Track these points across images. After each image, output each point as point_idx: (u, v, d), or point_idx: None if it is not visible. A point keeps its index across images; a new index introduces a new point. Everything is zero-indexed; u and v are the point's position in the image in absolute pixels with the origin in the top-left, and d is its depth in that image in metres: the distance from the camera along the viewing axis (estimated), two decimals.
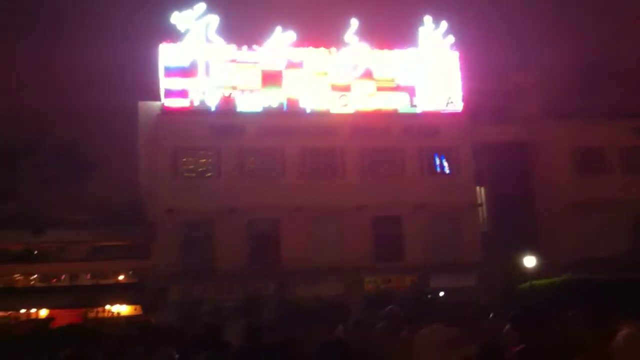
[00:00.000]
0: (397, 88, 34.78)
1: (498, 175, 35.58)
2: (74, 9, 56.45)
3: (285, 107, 33.50)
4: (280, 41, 33.93)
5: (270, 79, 33.48)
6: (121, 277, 35.71)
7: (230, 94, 32.83)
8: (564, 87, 35.18)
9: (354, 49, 34.64)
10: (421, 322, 8.61)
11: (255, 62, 33.47)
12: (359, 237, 31.91)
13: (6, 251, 34.85)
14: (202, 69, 32.85)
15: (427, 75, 35.16)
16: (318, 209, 31.44)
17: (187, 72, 32.61)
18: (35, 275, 35.33)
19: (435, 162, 34.88)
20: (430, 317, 8.58)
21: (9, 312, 30.56)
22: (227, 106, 32.81)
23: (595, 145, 34.96)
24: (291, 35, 34.01)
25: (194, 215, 30.63)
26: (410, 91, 34.91)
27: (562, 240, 32.97)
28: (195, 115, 32.28)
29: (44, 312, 32.71)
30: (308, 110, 33.59)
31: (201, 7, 33.08)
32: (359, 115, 33.83)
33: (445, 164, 34.94)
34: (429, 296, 28.63)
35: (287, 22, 34.10)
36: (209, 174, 32.86)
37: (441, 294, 30.24)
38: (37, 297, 32.93)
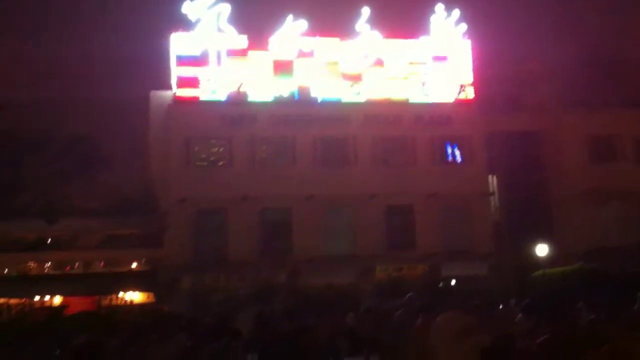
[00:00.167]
0: (408, 77, 34.66)
1: (510, 163, 35.44)
2: (85, 0, 56.53)
3: (296, 97, 33.49)
4: (292, 30, 33.86)
5: (282, 68, 33.46)
6: (134, 266, 35.90)
7: (240, 86, 32.83)
8: (577, 75, 34.89)
9: (366, 38, 34.51)
10: (435, 310, 8.63)
11: (266, 52, 33.45)
12: (370, 226, 31.93)
13: (20, 240, 35.13)
14: (214, 58, 32.86)
15: (439, 63, 34.99)
16: (330, 198, 31.46)
17: (198, 61, 32.64)
18: (49, 263, 35.60)
19: (447, 150, 34.79)
20: (444, 305, 8.60)
21: (24, 299, 30.80)
22: (238, 96, 32.85)
23: (608, 133, 34.74)
24: (302, 24, 33.93)
25: (206, 204, 30.74)
26: (422, 80, 34.78)
27: (575, 229, 32.82)
28: (207, 104, 32.35)
29: (57, 300, 32.99)
30: (319, 100, 33.56)
31: None
32: (371, 104, 33.76)
33: (457, 152, 34.82)
34: (441, 284, 28.67)
35: (298, 11, 34.01)
36: (220, 163, 32.93)
37: (453, 282, 30.25)
38: (50, 284, 33.17)
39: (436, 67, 34.96)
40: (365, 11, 34.67)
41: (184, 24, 32.93)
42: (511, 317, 9.69)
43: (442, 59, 35.10)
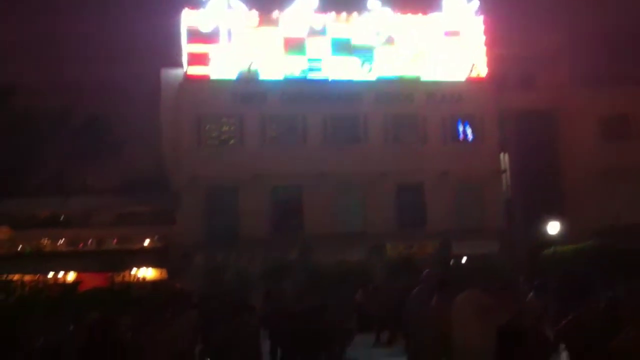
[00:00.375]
0: (420, 54, 34.45)
1: (522, 142, 35.27)
2: None
3: (306, 75, 33.39)
4: (303, 7, 33.67)
5: (292, 45, 33.34)
6: (147, 243, 36.17)
7: (251, 64, 32.75)
8: (590, 54, 34.55)
9: (377, 15, 34.29)
10: (451, 288, 8.66)
11: (277, 28, 33.33)
12: (381, 204, 31.97)
13: (34, 217, 35.45)
14: (225, 35, 32.79)
15: (451, 41, 34.74)
16: (341, 176, 31.49)
17: (209, 38, 32.60)
18: (63, 240, 35.92)
19: (458, 129, 34.65)
20: (458, 284, 8.62)
21: (38, 276, 31.13)
22: (249, 74, 32.81)
23: (621, 112, 34.47)
24: (313, 1, 33.72)
25: (217, 182, 30.87)
26: (434, 57, 34.56)
27: (587, 207, 32.70)
28: (218, 82, 32.35)
29: (71, 276, 33.33)
30: (330, 78, 33.45)
31: None
32: (382, 82, 33.63)
33: (469, 130, 34.68)
34: (452, 262, 28.69)
35: None
36: (231, 142, 32.99)
37: (464, 260, 30.28)
38: (64, 261, 33.51)
39: (448, 45, 34.71)
40: None
41: (195, 1, 32.84)
42: (522, 296, 9.70)
43: (454, 35, 34.83)
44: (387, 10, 34.31)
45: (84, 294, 16.76)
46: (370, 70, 33.88)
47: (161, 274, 33.32)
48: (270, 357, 11.81)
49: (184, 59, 32.79)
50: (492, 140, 34.11)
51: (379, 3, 34.37)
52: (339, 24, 34.00)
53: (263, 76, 32.93)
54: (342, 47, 33.77)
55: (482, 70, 34.73)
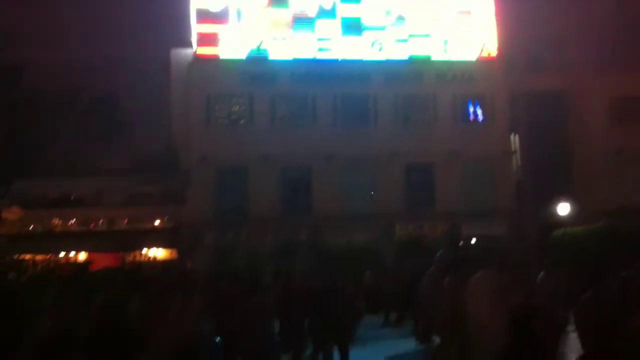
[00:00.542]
0: (430, 34, 34.20)
1: (533, 123, 35.08)
2: None
3: (316, 55, 33.24)
4: None
5: (302, 25, 33.15)
6: (157, 223, 36.36)
7: (260, 44, 32.62)
8: (602, 35, 34.24)
9: None
10: (463, 269, 8.64)
11: (286, 8, 33.14)
12: (391, 184, 31.95)
13: (45, 197, 35.68)
14: (234, 15, 32.65)
15: (462, 20, 34.44)
16: (350, 156, 31.45)
17: (219, 18, 32.49)
18: (74, 220, 36.17)
19: (469, 109, 34.47)
20: (470, 264, 8.59)
21: (49, 256, 31.39)
22: (258, 54, 32.71)
23: (633, 94, 34.17)
24: None
25: (227, 162, 30.93)
26: (444, 37, 34.30)
27: (597, 188, 32.57)
28: (227, 62, 32.29)
29: (82, 256, 33.60)
30: (340, 58, 33.28)
31: None
32: (392, 62, 33.44)
33: (479, 111, 34.51)
34: (461, 243, 28.62)
35: None
36: (241, 122, 33.00)
37: (473, 241, 30.23)
38: (75, 241, 33.78)
39: (459, 24, 34.42)
40: None
41: None
42: (535, 277, 9.67)
43: (465, 15, 34.54)
44: None
45: (95, 273, 16.88)
46: (380, 50, 33.68)
47: (171, 253, 33.54)
48: (279, 337, 11.87)
49: (194, 39, 32.71)
50: (503, 120, 33.94)
51: None
52: (349, 4, 33.76)
53: (272, 56, 32.81)
54: (352, 26, 33.56)
55: (493, 50, 34.47)
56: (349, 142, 31.53)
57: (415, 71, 33.42)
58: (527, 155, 35.29)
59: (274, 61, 32.76)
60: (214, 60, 32.32)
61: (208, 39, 32.49)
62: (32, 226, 35.58)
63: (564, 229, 26.91)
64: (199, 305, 7.71)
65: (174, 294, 7.45)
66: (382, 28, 33.82)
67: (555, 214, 29.26)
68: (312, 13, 33.26)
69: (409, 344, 14.15)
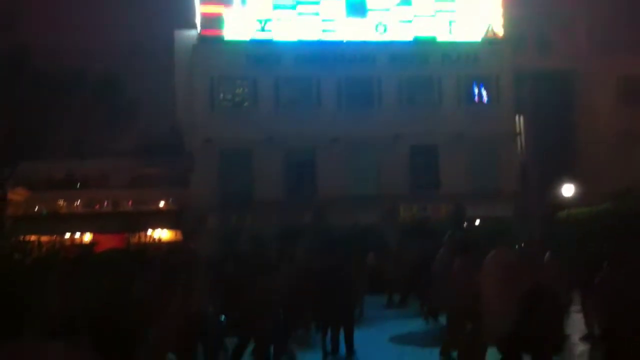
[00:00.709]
0: (436, 15, 33.95)
1: (538, 104, 34.92)
2: None
3: (320, 36, 33.07)
4: None
5: (306, 7, 32.95)
6: (162, 205, 36.48)
7: (265, 25, 32.47)
8: (609, 15, 33.95)
9: None
10: (473, 250, 8.65)
11: None
12: (395, 166, 31.91)
13: (50, 179, 35.79)
14: None
15: (467, 0, 34.17)
16: (355, 138, 31.38)
17: None
18: (79, 202, 36.31)
19: (474, 90, 34.32)
20: (479, 246, 8.60)
21: (54, 237, 31.55)
22: (262, 36, 32.57)
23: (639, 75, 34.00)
24: None
25: (231, 145, 30.89)
26: (449, 18, 34.05)
27: (603, 170, 32.47)
28: (232, 44, 32.14)
29: (88, 237, 33.75)
30: (344, 39, 33.11)
31: None
32: (396, 43, 33.25)
33: (484, 92, 34.35)
34: (465, 225, 28.63)
35: None
36: (245, 104, 32.95)
37: (477, 222, 30.25)
38: (81, 222, 33.93)
39: (464, 5, 34.15)
40: None
41: None
42: (541, 259, 9.68)
43: None
44: None
45: (100, 255, 16.94)
46: (384, 31, 33.49)
47: (176, 235, 33.65)
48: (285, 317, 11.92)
49: (198, 21, 32.56)
50: (508, 102, 33.78)
51: None
52: None
53: (277, 38, 32.66)
54: (357, 8, 33.34)
55: (498, 30, 34.21)
56: (354, 124, 31.45)
57: (420, 52, 33.22)
58: (532, 136, 35.18)
59: (278, 43, 32.61)
60: (218, 42, 32.18)
61: (212, 21, 32.33)
62: (37, 207, 35.72)
63: (568, 210, 26.93)
64: (203, 285, 7.75)
65: (179, 274, 7.49)
66: (387, 9, 33.58)
67: (560, 196, 29.21)
68: None
69: (413, 325, 14.23)
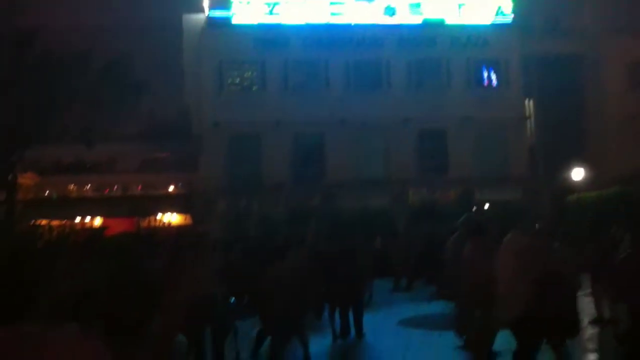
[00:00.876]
0: None
1: (547, 87, 34.68)
2: None
3: (329, 19, 32.91)
4: None
5: None
6: (171, 189, 36.58)
7: (273, 8, 32.33)
8: None
9: None
10: (487, 234, 8.64)
11: None
12: (404, 150, 31.84)
13: (60, 163, 35.92)
14: None
15: None
16: (363, 122, 31.30)
17: None
18: (89, 186, 36.45)
19: (483, 74, 34.13)
20: (494, 229, 8.58)
21: (65, 221, 31.75)
22: (271, 19, 32.45)
23: None
24: None
25: (239, 129, 30.89)
26: (459, 0, 33.80)
27: (613, 154, 32.32)
28: (240, 28, 32.05)
29: (98, 221, 33.92)
30: (353, 22, 32.94)
31: None
32: (405, 26, 33.06)
33: (494, 76, 34.16)
34: (474, 209, 28.62)
35: None
36: (254, 88, 32.90)
37: (486, 206, 30.21)
38: (90, 206, 34.08)
39: None
40: None
41: None
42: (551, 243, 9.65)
43: None
44: None
45: (110, 238, 17.04)
46: (393, 14, 33.29)
47: (185, 219, 33.79)
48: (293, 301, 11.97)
49: (206, 4, 32.46)
50: (517, 85, 33.60)
51: None
52: None
53: (285, 21, 32.53)
54: None
55: (507, 13, 33.96)
56: (362, 108, 31.35)
57: (429, 35, 33.04)
58: (541, 120, 35.01)
59: (286, 26, 32.49)
60: (226, 25, 32.10)
61: (220, 4, 32.22)
62: (47, 192, 35.89)
63: (578, 194, 26.86)
64: (212, 267, 7.78)
65: (188, 256, 7.52)
66: None
67: (569, 180, 29.08)
68: None
69: (421, 308, 14.25)
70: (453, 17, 33.71)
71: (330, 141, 31.81)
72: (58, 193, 35.93)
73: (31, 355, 2.09)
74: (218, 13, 32.20)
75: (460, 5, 33.77)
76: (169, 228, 33.11)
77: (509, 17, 33.91)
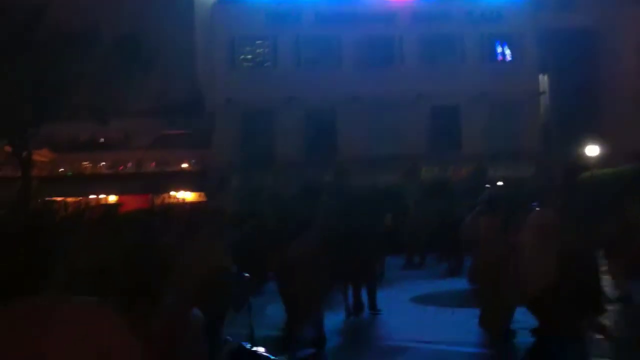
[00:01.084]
0: None
1: (562, 62, 34.34)
2: None
3: None
4: None
5: None
6: (184, 165, 36.68)
7: None
8: None
9: None
10: (506, 210, 8.59)
11: None
12: (416, 126, 31.71)
13: (74, 140, 36.09)
14: None
15: None
16: (375, 98, 31.17)
17: None
18: (103, 163, 36.62)
19: (496, 49, 33.83)
20: (515, 205, 8.53)
21: (80, 198, 31.95)
22: None
23: None
24: None
25: (251, 105, 30.87)
26: None
27: (628, 130, 32.01)
28: (251, 3, 31.90)
29: (112, 198, 34.14)
30: None
31: None
32: (419, 0, 32.77)
33: (507, 51, 33.85)
34: (487, 186, 28.52)
35: None
36: (266, 64, 32.81)
37: (499, 183, 30.09)
38: (105, 183, 34.29)
39: None
40: None
41: None
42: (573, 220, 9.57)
43: None
44: None
45: (125, 215, 17.15)
46: None
47: (199, 196, 33.91)
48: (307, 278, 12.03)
49: None
50: (531, 60, 33.29)
51: None
52: None
53: None
54: None
55: None
56: (374, 84, 31.18)
57: (442, 10, 32.73)
58: (555, 96, 34.71)
59: (298, 1, 32.29)
60: (237, 0, 31.93)
61: None
62: (62, 169, 36.10)
63: (592, 171, 26.66)
64: (226, 242, 7.82)
65: (202, 229, 7.57)
66: None
67: (583, 156, 28.90)
68: None
69: (433, 285, 14.30)
70: None
71: (342, 117, 31.73)
72: (73, 170, 36.15)
73: (44, 325, 2.13)
74: None
75: None
76: (182, 204, 33.26)
77: None
